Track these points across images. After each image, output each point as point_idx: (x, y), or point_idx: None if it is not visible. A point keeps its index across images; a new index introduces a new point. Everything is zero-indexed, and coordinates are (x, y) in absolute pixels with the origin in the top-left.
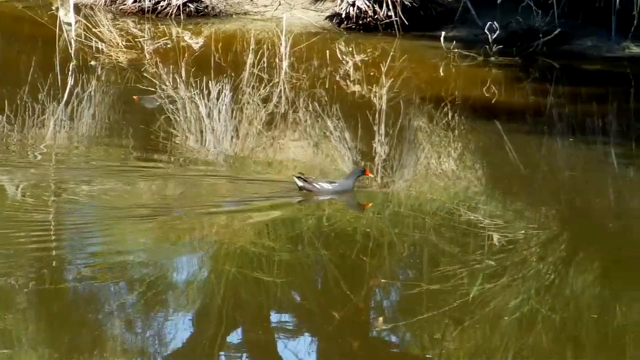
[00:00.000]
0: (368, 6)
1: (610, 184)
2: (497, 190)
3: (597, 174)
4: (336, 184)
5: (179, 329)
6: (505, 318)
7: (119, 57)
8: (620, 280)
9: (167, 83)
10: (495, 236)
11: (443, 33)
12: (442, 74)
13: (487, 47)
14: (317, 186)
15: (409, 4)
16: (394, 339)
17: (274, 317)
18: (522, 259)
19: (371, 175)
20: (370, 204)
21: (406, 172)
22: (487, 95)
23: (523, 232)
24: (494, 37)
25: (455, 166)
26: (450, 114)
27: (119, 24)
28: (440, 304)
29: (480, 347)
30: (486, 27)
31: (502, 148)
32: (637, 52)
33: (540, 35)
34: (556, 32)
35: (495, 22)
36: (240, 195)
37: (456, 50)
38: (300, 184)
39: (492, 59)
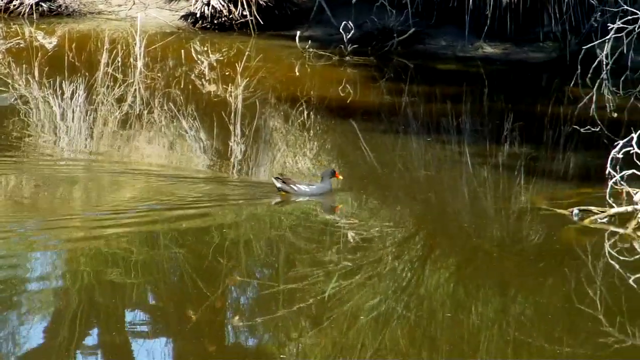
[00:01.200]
0: (223, 6)
1: (465, 183)
2: (353, 190)
3: (452, 173)
4: (314, 187)
5: (33, 332)
6: (362, 317)
7: None
8: (473, 279)
9: (20, 83)
10: (351, 235)
11: (298, 32)
12: (297, 73)
13: (342, 46)
14: (295, 188)
15: (264, 3)
16: (250, 338)
17: (129, 318)
18: (377, 257)
19: (340, 177)
20: (340, 206)
21: (262, 172)
22: (342, 94)
23: (379, 230)
24: (348, 36)
25: (311, 165)
26: (306, 114)
27: None
28: (296, 303)
29: (337, 345)
30: (341, 27)
31: (358, 147)
32: (490, 52)
33: (395, 35)
34: (410, 31)
35: (350, 22)
36: (95, 196)
37: (311, 49)
38: (279, 185)
39: (347, 58)
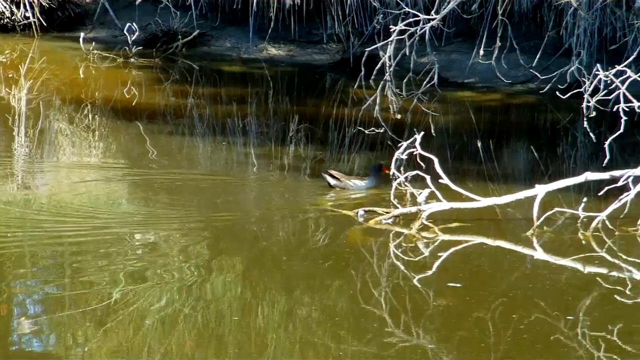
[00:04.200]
0: (5, 7)
1: (251, 186)
2: (140, 192)
3: (239, 175)
4: (367, 181)
5: None
6: (148, 320)
7: None
8: (261, 281)
9: None
10: (138, 238)
11: (82, 34)
12: (82, 75)
13: (127, 48)
14: (351, 183)
15: (46, 5)
16: (35, 342)
17: None
18: (165, 261)
19: (387, 172)
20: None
21: (48, 175)
22: (127, 96)
23: (166, 234)
24: (133, 38)
25: (98, 168)
26: (91, 116)
27: None
28: (82, 307)
29: (123, 348)
30: (125, 29)
31: (144, 150)
32: (274, 53)
33: (179, 37)
34: (195, 33)
35: (134, 24)
36: None
37: (96, 51)
38: (333, 182)
39: (132, 60)
